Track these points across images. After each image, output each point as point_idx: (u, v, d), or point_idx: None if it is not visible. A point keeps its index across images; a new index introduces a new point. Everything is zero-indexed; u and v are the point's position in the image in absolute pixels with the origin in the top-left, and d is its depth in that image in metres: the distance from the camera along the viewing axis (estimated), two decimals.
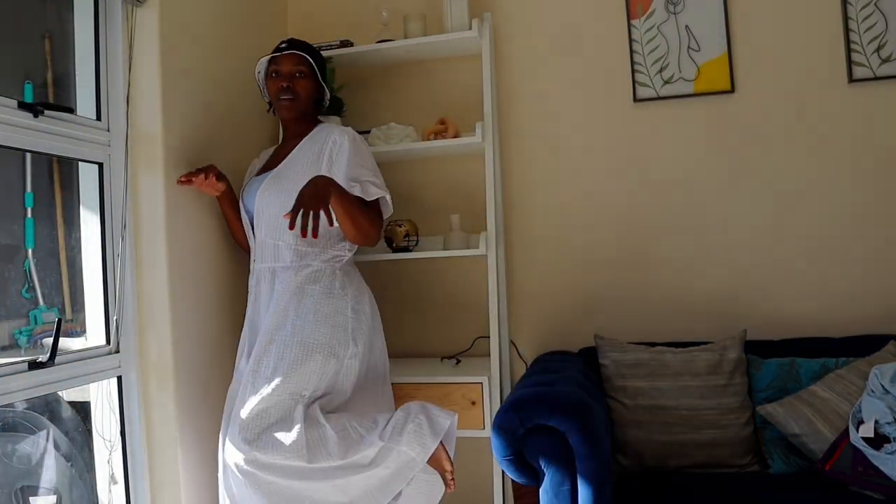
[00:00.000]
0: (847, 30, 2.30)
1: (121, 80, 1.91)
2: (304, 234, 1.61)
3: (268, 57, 2.04)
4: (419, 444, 1.81)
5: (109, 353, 1.86)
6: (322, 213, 1.65)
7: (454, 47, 2.53)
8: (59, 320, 1.68)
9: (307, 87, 2.03)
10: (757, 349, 2.17)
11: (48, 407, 1.92)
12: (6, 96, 1.59)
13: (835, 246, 2.33)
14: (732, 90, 2.40)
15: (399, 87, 2.70)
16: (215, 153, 2.15)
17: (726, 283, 2.41)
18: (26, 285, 1.85)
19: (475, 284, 2.58)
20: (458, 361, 2.46)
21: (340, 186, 1.79)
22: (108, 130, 1.90)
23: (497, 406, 2.16)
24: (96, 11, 1.91)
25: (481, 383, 2.18)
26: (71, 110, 1.80)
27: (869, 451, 1.75)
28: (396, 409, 1.90)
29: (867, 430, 1.77)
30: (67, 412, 1.97)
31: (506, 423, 1.75)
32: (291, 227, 1.62)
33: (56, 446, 1.93)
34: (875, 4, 2.28)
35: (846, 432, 1.84)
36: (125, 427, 1.89)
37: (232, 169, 2.18)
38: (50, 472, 1.91)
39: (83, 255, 1.91)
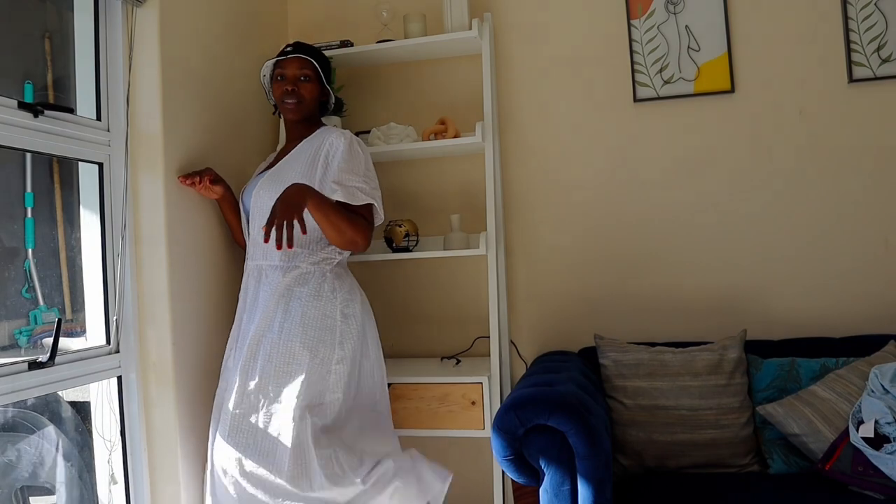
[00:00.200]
0: (847, 30, 2.30)
1: (121, 80, 1.92)
2: (278, 246, 1.61)
3: (273, 60, 2.05)
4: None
5: (109, 353, 1.86)
6: (296, 222, 1.64)
7: (454, 47, 2.53)
8: (59, 320, 1.68)
9: (312, 91, 2.04)
10: (757, 349, 2.18)
11: (48, 407, 1.92)
12: (6, 96, 1.59)
13: (835, 246, 2.33)
14: (732, 90, 2.40)
15: (399, 87, 2.70)
16: (215, 153, 2.16)
17: (726, 283, 2.41)
18: (26, 285, 1.85)
19: (475, 284, 2.58)
20: (458, 361, 2.45)
21: (317, 192, 1.79)
22: (108, 130, 1.90)
23: (497, 406, 2.16)
24: (96, 11, 1.91)
25: (481, 383, 2.18)
26: (71, 110, 1.80)
27: (869, 451, 1.75)
28: (388, 458, 1.87)
29: (867, 430, 1.77)
30: (67, 412, 1.97)
31: (506, 423, 1.75)
32: (266, 239, 1.62)
33: (56, 446, 1.93)
34: (875, 4, 2.28)
35: (846, 432, 1.84)
36: (125, 427, 1.89)
37: (232, 169, 2.18)
38: (50, 471, 1.91)
39: (83, 255, 1.91)
